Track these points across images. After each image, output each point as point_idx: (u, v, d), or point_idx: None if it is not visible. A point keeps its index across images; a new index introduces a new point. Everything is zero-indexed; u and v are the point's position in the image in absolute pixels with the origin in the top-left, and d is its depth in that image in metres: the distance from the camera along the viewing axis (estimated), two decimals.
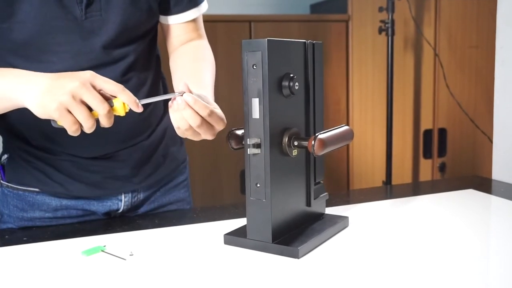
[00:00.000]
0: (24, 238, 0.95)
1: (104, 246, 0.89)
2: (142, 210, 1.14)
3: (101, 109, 0.79)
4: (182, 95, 0.83)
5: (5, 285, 0.76)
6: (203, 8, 1.11)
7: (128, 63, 1.01)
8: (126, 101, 0.81)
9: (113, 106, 0.81)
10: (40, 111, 0.80)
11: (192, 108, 0.82)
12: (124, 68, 1.00)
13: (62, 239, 0.94)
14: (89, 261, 0.84)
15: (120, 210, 1.11)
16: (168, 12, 1.06)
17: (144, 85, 1.07)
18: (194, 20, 1.10)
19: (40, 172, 1.03)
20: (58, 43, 0.93)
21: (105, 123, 0.81)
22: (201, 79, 1.01)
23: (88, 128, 0.80)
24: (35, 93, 0.80)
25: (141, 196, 1.12)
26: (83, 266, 0.82)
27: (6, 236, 0.98)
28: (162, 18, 1.08)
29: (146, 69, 1.07)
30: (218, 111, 0.87)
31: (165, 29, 1.11)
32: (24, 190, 1.05)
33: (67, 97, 0.78)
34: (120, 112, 0.82)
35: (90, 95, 0.79)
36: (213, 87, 1.02)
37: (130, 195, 1.11)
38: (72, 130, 0.80)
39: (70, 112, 0.79)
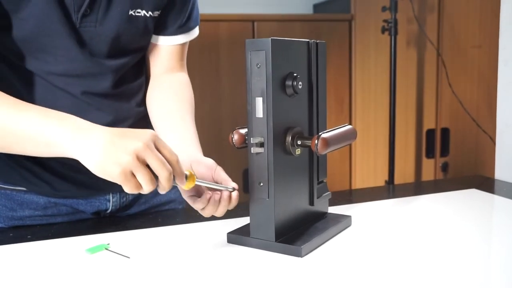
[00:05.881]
0: (28, 236, 0.96)
1: (108, 244, 0.89)
2: (132, 210, 1.14)
3: (163, 172, 0.74)
4: (232, 191, 0.85)
5: (9, 283, 0.76)
6: (194, 34, 1.11)
7: (120, 75, 1.01)
8: (175, 174, 0.77)
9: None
10: (99, 172, 0.74)
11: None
12: (116, 79, 1.01)
13: (66, 237, 0.95)
14: (93, 259, 0.84)
15: (109, 210, 1.11)
16: (159, 32, 1.06)
17: (138, 93, 1.08)
18: (182, 46, 1.10)
19: (27, 171, 1.02)
20: (55, 46, 0.92)
21: (165, 186, 0.76)
22: (192, 132, 1.00)
23: (148, 191, 0.75)
24: (92, 151, 0.74)
25: (130, 196, 1.12)
26: (87, 264, 0.82)
27: (11, 234, 0.99)
28: (152, 37, 1.08)
29: (138, 77, 1.08)
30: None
31: (150, 48, 1.09)
32: (11, 190, 1.04)
33: (130, 159, 0.72)
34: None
35: (154, 157, 0.73)
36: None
37: (118, 195, 1.10)
38: (132, 192, 0.75)
39: (133, 175, 0.74)
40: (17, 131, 0.78)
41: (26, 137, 0.78)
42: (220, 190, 0.85)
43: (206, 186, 0.85)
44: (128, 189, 0.74)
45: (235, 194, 0.85)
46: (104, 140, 0.74)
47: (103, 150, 0.73)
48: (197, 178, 0.81)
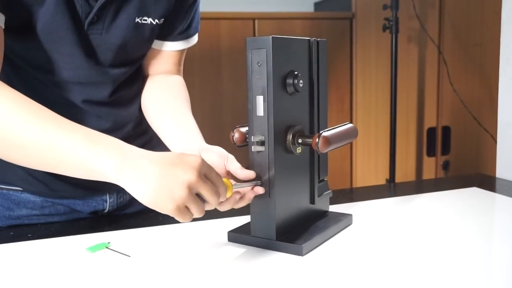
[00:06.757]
0: (29, 235, 0.96)
1: (109, 242, 0.89)
2: (130, 210, 1.13)
3: (214, 199, 0.75)
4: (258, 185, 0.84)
5: (10, 281, 0.76)
6: (192, 42, 1.11)
7: (118, 84, 1.01)
8: (220, 193, 0.77)
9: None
10: (150, 206, 0.72)
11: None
12: (114, 88, 1.00)
13: (67, 236, 0.95)
14: (93, 258, 0.84)
15: (106, 210, 1.10)
16: (158, 37, 1.05)
17: (136, 98, 1.07)
18: (180, 52, 1.10)
19: (23, 170, 1.01)
20: (61, 53, 0.92)
21: (213, 207, 0.77)
22: (194, 124, 1.01)
23: (199, 216, 0.75)
24: (142, 185, 0.71)
25: (127, 196, 1.11)
26: (88, 262, 0.82)
27: (11, 233, 0.99)
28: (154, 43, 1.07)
29: (135, 84, 1.08)
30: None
31: (149, 52, 1.08)
32: (8, 189, 1.04)
33: (183, 194, 0.71)
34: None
35: (206, 188, 0.73)
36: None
37: (115, 195, 1.10)
38: (185, 221, 0.75)
39: (186, 207, 0.73)
40: (59, 153, 0.74)
41: (69, 161, 0.74)
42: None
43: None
44: (181, 220, 0.74)
45: (260, 189, 0.84)
46: (154, 173, 0.71)
47: (154, 184, 0.71)
48: (233, 185, 0.81)
